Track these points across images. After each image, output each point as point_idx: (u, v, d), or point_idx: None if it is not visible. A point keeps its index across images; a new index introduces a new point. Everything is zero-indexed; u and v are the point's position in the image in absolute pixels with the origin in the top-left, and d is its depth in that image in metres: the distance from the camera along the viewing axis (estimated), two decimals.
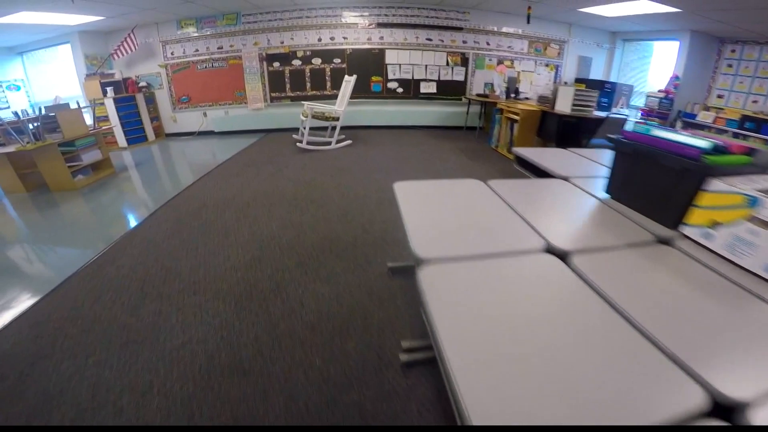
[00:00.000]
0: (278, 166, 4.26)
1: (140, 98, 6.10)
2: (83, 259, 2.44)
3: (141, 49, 6.00)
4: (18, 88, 6.12)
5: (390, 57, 6.13)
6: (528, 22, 5.40)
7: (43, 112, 3.88)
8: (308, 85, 6.33)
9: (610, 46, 6.80)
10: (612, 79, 6.74)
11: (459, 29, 6.08)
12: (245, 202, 3.21)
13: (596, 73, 6.87)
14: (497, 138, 4.96)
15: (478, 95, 5.99)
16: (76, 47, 5.75)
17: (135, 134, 6.13)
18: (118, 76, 6.03)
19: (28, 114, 4.03)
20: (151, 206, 3.34)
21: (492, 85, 6.29)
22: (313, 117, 4.72)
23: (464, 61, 6.24)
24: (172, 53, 6.19)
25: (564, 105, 4.04)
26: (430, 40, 6.09)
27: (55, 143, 3.77)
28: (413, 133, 6.15)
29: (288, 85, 6.34)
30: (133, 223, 2.98)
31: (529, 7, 5.23)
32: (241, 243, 2.54)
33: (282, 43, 6.08)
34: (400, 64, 6.16)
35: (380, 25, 6.00)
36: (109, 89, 5.77)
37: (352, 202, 3.16)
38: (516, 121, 4.44)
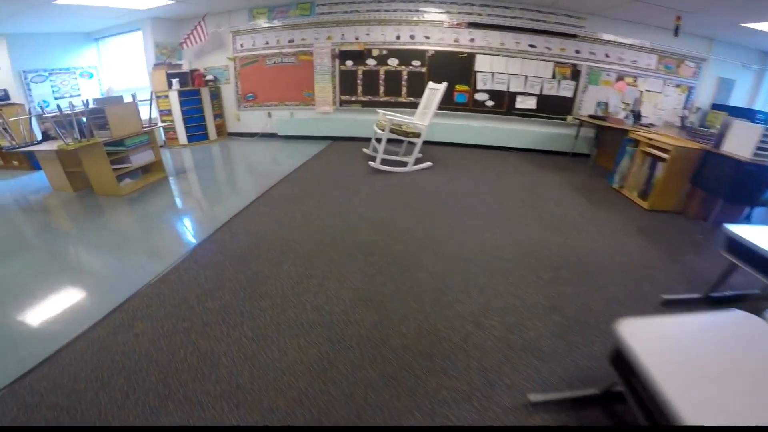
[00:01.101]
0: (347, 193, 3.50)
1: (205, 93, 5.70)
2: (94, 313, 1.87)
3: (211, 39, 5.59)
4: (90, 76, 5.97)
5: (481, 63, 5.18)
6: (676, 34, 4.25)
7: (91, 105, 3.41)
8: (382, 89, 5.57)
9: (760, 68, 5.34)
10: (757, 108, 5.29)
11: (572, 36, 4.99)
12: (308, 250, 2.46)
13: (737, 99, 5.44)
14: (623, 176, 3.85)
15: (591, 116, 4.87)
16: (147, 35, 5.44)
17: (196, 131, 5.75)
18: (186, 67, 5.68)
19: (86, 104, 3.63)
20: (194, 235, 2.75)
21: (606, 105, 5.16)
22: (391, 131, 3.93)
23: (575, 75, 5.12)
24: (241, 45, 5.73)
25: (740, 146, 2.88)
26: (533, 46, 5.06)
27: (101, 143, 3.31)
28: (505, 156, 5.13)
29: (360, 88, 5.63)
30: (166, 262, 2.35)
31: (678, 17, 4.10)
32: (304, 325, 1.79)
33: (357, 38, 5.38)
34: (493, 73, 5.19)
35: (471, 25, 5.08)
36: (174, 81, 5.41)
37: (449, 269, 2.29)
38: (661, 159, 3.33)
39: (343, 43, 5.44)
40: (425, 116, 4.06)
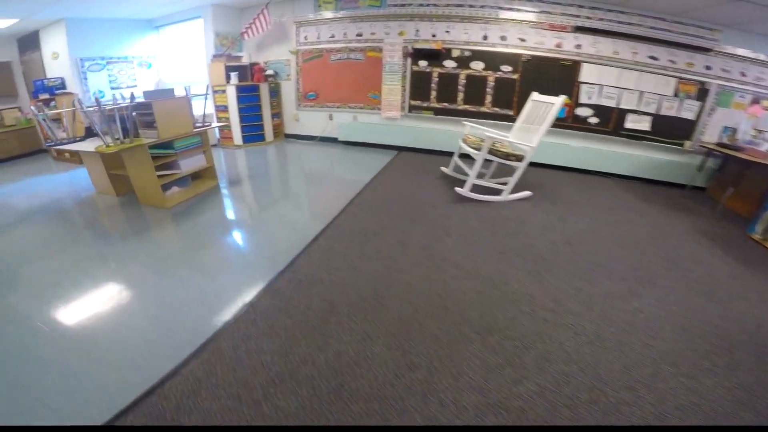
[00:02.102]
0: (433, 230, 2.76)
1: (264, 89, 5.22)
2: (124, 392, 1.36)
3: (273, 30, 5.11)
4: (149, 66, 5.65)
5: (587, 74, 4.32)
6: None
7: (136, 99, 2.87)
8: (460, 96, 4.83)
9: None
10: None
11: (704, 50, 4.04)
12: (402, 320, 1.79)
13: None
14: None
15: (721, 144, 3.90)
16: (208, 22, 5.03)
17: (253, 131, 5.28)
18: (245, 60, 5.21)
19: (132, 98, 3.17)
20: (250, 278, 2.14)
21: (734, 131, 4.17)
22: (490, 152, 3.19)
23: (701, 94, 4.15)
24: (305, 38, 5.20)
25: None
26: (654, 59, 4.14)
27: (146, 145, 2.80)
28: (606, 184, 4.24)
29: (434, 93, 4.93)
30: (216, 320, 1.77)
31: None
32: None
33: (434, 36, 4.68)
34: (601, 86, 4.31)
35: (579, 29, 4.23)
36: (233, 74, 4.95)
37: (599, 355, 1.59)
38: None
39: (417, 40, 4.77)
40: (530, 134, 3.29)
